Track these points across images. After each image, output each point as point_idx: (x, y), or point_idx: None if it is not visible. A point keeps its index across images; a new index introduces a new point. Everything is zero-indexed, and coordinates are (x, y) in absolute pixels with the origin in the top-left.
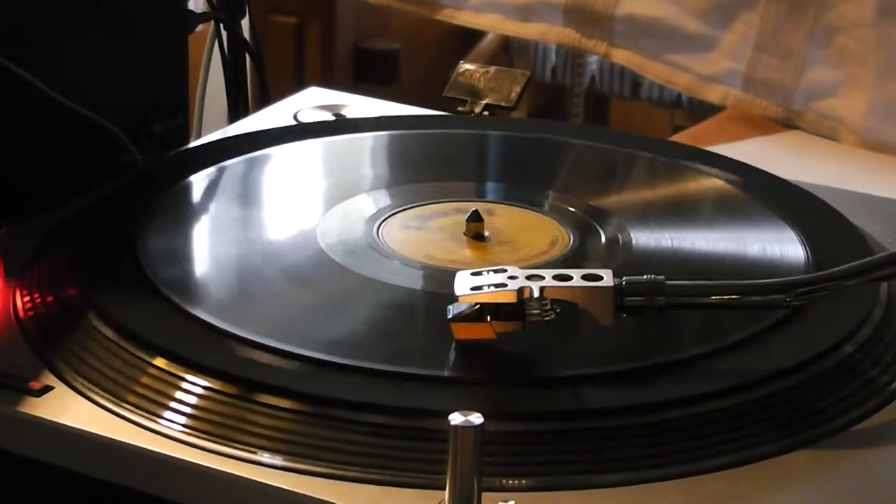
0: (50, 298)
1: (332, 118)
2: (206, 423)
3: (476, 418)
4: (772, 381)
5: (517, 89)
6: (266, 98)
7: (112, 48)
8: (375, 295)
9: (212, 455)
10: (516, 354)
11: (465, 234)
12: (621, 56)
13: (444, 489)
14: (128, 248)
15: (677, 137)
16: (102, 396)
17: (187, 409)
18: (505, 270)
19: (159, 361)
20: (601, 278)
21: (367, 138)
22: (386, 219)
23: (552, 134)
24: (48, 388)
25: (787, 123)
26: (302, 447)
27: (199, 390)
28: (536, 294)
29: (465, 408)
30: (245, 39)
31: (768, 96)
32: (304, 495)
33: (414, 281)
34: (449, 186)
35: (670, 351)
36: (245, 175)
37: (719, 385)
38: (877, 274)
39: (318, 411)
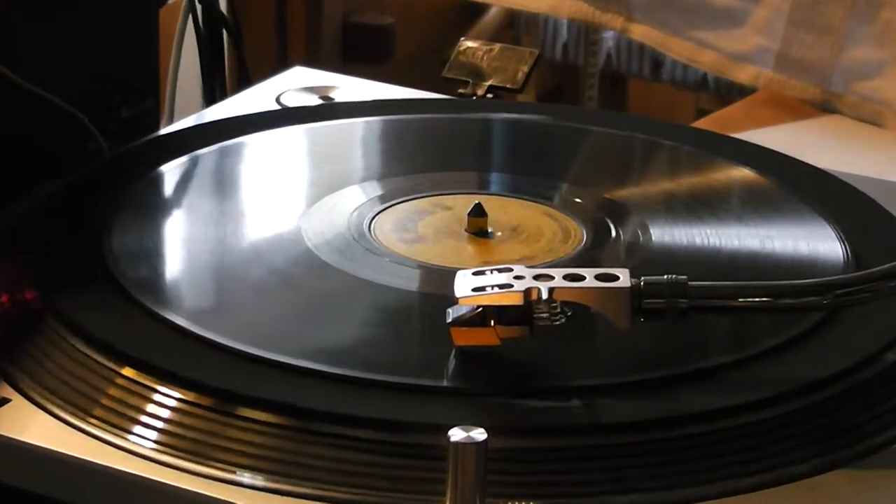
0: (6, 300)
1: (319, 102)
2: (180, 439)
3: (478, 434)
4: (806, 393)
5: (524, 69)
6: (245, 79)
7: (74, 24)
8: (367, 297)
9: (186, 475)
10: (523, 363)
11: (466, 229)
12: (640, 32)
13: None
14: (93, 245)
15: (702, 123)
16: (65, 410)
17: (159, 424)
18: (510, 270)
19: (128, 371)
20: (617, 278)
21: (358, 124)
22: (379, 213)
23: (563, 119)
24: (5, 401)
25: (825, 107)
26: (286, 466)
27: (173, 403)
28: (545, 296)
29: (467, 422)
30: (222, 13)
31: (804, 77)
32: None
33: (409, 282)
34: (449, 177)
35: (693, 359)
36: (222, 165)
37: (747, 397)
38: None
39: (304, 426)
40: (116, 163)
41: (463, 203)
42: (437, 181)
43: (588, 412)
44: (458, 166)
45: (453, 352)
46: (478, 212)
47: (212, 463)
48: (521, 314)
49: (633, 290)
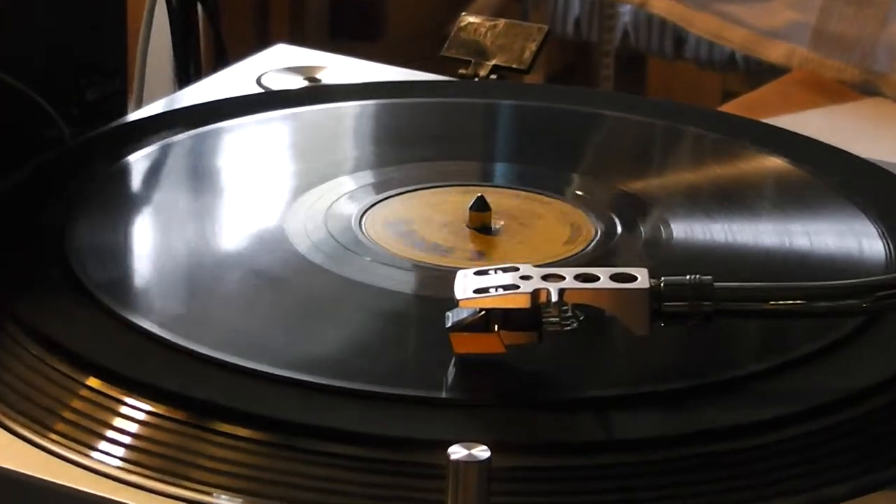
0: None
1: (305, 83)
2: (150, 456)
3: (481, 451)
4: (846, 406)
5: (532, 47)
6: (223, 58)
7: None
8: (358, 300)
9: (157, 497)
10: (530, 372)
11: (467, 225)
12: (661, 6)
13: None
14: (53, 243)
15: (729, 107)
16: (23, 425)
17: (127, 440)
18: (516, 269)
19: (93, 381)
20: (634, 279)
21: (348, 108)
22: (370, 207)
23: (575, 103)
24: None
25: (865, 89)
26: (267, 486)
27: (142, 416)
28: (555, 298)
29: (469, 438)
30: None
31: (843, 55)
32: None
33: (405, 283)
34: (448, 168)
35: (719, 368)
36: (197, 154)
37: (780, 411)
38: None
39: (288, 442)
40: (80, 151)
41: (464, 196)
42: (436, 172)
43: (601, 427)
44: (458, 155)
45: (453, 360)
46: (480, 206)
47: (185, 483)
48: (529, 318)
49: (653, 292)
